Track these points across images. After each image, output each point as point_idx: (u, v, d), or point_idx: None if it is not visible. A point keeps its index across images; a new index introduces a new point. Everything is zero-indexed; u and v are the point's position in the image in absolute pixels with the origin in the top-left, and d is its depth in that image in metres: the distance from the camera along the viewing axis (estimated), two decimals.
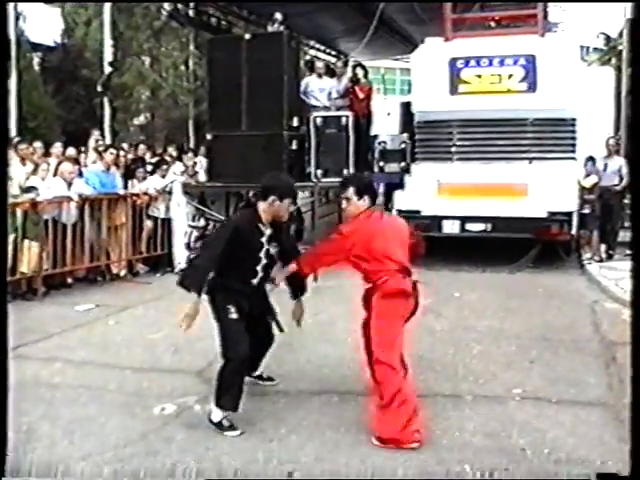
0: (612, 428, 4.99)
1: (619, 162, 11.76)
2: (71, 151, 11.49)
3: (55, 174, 10.00)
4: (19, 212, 9.14)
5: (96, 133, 13.64)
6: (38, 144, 11.16)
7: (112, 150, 11.31)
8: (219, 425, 4.98)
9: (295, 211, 12.23)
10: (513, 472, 4.33)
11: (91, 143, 12.89)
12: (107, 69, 14.55)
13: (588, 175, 11.46)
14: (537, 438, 4.81)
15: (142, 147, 13.53)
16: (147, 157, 12.95)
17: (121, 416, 5.28)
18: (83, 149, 12.44)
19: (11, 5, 12.73)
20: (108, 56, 14.50)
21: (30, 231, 9.25)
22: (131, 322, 8.25)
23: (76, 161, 11.04)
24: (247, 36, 12.09)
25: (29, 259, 9.21)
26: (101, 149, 11.60)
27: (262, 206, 5.15)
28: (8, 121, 10.33)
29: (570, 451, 4.61)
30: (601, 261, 11.36)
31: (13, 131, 12.13)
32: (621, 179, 11.64)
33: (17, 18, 14.67)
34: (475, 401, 5.55)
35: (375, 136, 13.05)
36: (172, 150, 13.71)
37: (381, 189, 14.41)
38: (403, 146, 12.23)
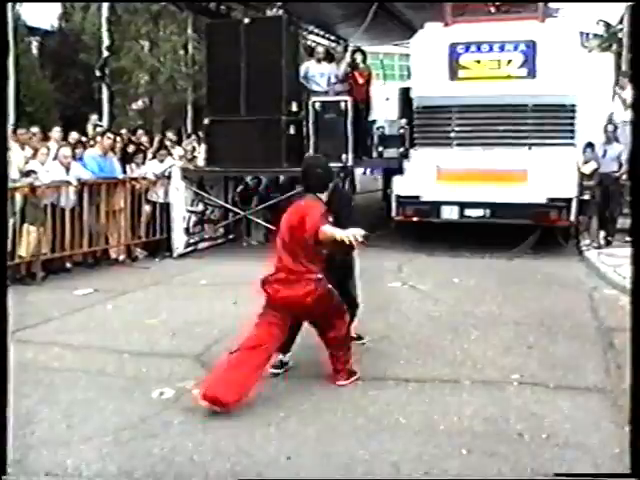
0: (610, 414, 5.01)
1: (618, 148, 11.73)
2: (74, 135, 11.47)
3: (55, 158, 9.98)
4: (18, 196, 9.13)
5: (94, 118, 13.61)
6: (36, 129, 11.15)
7: (109, 135, 11.27)
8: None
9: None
10: (511, 457, 4.35)
11: (89, 128, 12.87)
12: (105, 53, 14.47)
13: (587, 162, 11.43)
14: (535, 423, 4.82)
15: (140, 132, 13.52)
16: (144, 142, 12.90)
17: (120, 400, 5.29)
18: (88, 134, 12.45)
19: None
20: (106, 40, 14.41)
21: (29, 215, 9.25)
22: (130, 306, 8.25)
23: (82, 144, 11.07)
24: (246, 20, 12.04)
25: (28, 243, 9.21)
26: (99, 133, 11.57)
27: None
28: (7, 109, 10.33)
29: (568, 436, 4.62)
30: (600, 247, 11.33)
31: (11, 116, 12.09)
32: (620, 165, 11.62)
33: (14, 2, 14.59)
34: (473, 386, 5.56)
35: (374, 121, 13.02)
36: (171, 135, 13.68)
37: (380, 174, 14.43)
38: (402, 131, 12.20)
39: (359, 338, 6.45)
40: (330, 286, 5.33)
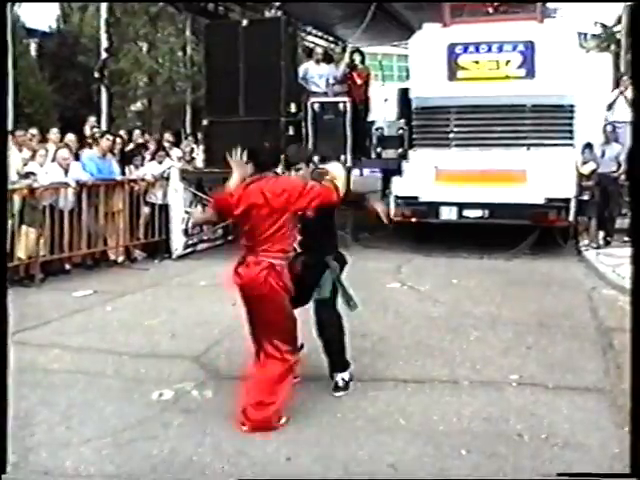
0: (608, 414, 5.01)
1: (617, 149, 11.74)
2: (70, 137, 11.46)
3: (54, 160, 9.98)
4: (17, 198, 9.11)
5: (92, 120, 13.60)
6: (34, 131, 11.14)
7: (108, 136, 11.26)
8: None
9: None
10: (510, 457, 4.35)
11: (87, 130, 12.86)
12: (103, 55, 14.47)
13: (586, 162, 11.43)
14: (534, 424, 4.82)
15: (137, 132, 13.53)
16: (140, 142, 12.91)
17: (119, 402, 5.28)
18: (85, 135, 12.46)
19: None
20: (104, 42, 14.41)
21: (28, 217, 9.23)
22: (129, 308, 8.25)
23: (89, 145, 11.09)
24: (244, 22, 12.03)
25: (26, 245, 9.20)
26: (97, 135, 11.57)
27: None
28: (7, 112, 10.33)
29: (567, 436, 4.62)
30: (598, 248, 11.34)
31: (10, 117, 12.07)
32: (619, 166, 11.62)
33: (12, 3, 14.59)
34: (472, 387, 5.56)
35: (372, 122, 13.02)
36: (169, 136, 13.68)
37: (378, 175, 14.42)
38: (400, 132, 12.21)
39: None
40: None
